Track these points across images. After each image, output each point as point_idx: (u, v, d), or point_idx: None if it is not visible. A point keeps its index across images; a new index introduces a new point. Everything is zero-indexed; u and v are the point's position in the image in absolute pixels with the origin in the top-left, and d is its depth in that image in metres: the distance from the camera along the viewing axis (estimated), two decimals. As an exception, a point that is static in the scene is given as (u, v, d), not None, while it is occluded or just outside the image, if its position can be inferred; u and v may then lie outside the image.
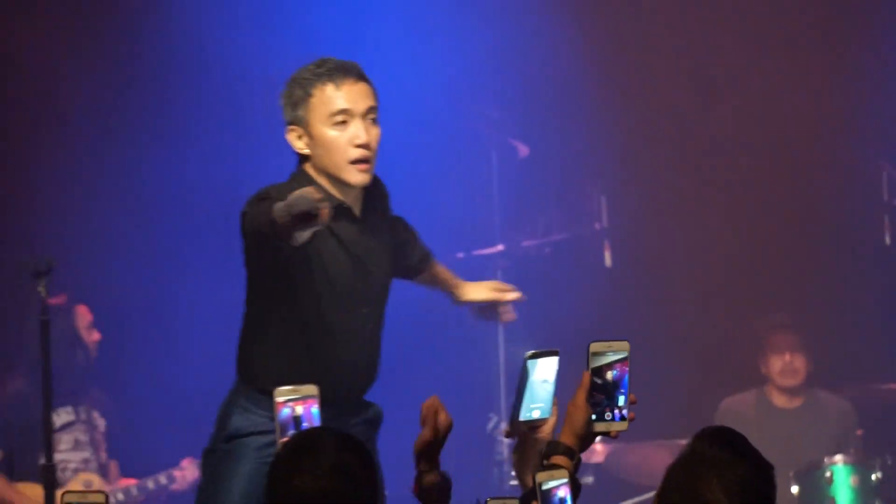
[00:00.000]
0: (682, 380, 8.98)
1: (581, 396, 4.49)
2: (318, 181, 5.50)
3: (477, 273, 8.62)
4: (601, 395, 4.52)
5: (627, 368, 4.52)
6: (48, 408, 6.66)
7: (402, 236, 6.08)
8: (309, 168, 5.57)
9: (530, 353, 4.81)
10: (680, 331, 9.34)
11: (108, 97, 10.44)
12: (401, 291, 6.44)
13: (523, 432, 4.63)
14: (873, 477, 7.88)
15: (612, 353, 4.62)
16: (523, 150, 9.40)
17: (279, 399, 4.85)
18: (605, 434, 4.57)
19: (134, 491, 9.39)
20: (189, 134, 10.17)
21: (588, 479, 8.52)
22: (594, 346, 4.52)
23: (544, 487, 4.44)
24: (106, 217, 10.34)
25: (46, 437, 6.59)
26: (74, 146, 10.37)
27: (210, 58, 10.38)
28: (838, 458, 8.06)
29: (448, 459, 4.58)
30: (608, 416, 4.55)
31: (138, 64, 10.50)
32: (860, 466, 7.87)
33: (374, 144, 5.76)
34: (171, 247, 10.03)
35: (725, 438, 4.32)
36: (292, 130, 5.59)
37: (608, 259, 9.45)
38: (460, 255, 9.26)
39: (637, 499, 8.88)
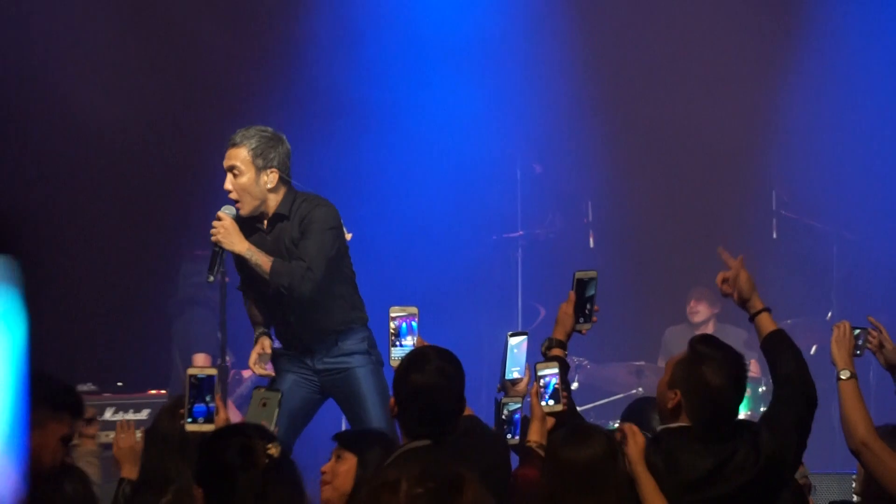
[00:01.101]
0: (636, 319, 10.75)
1: (569, 306, 6.05)
2: None
3: (503, 249, 11.34)
4: (580, 305, 6.09)
5: (595, 290, 6.13)
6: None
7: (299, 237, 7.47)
8: None
9: (510, 332, 6.34)
10: (636, 287, 11.14)
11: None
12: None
13: (507, 387, 6.30)
14: (760, 389, 9.38)
15: (589, 280, 6.15)
16: (538, 168, 11.38)
17: (392, 314, 6.40)
18: (579, 332, 6.12)
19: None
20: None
21: (574, 385, 9.54)
22: (578, 274, 6.10)
23: (540, 374, 5.94)
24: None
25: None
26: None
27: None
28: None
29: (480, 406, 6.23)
30: (582, 319, 6.08)
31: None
32: (752, 380, 8.98)
33: (235, 189, 7.35)
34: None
35: (714, 342, 5.48)
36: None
37: (591, 242, 11.45)
38: (494, 237, 11.36)
39: (607, 399, 10.56)
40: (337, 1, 12.00)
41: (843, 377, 5.88)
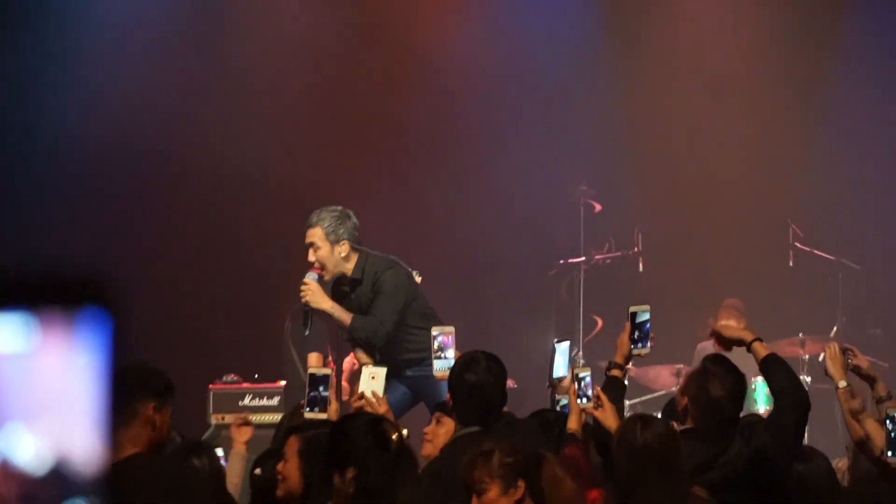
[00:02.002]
0: (677, 329, 10.87)
1: (625, 335, 6.41)
2: None
3: (568, 272, 11.90)
4: (635, 334, 6.41)
5: (649, 321, 6.40)
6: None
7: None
8: None
9: (556, 339, 6.94)
10: (675, 304, 11.39)
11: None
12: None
13: (555, 384, 6.78)
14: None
15: (641, 312, 6.41)
16: (598, 207, 11.87)
17: (434, 333, 6.94)
18: (637, 355, 6.46)
19: None
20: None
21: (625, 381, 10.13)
22: (632, 308, 6.44)
23: (579, 376, 6.42)
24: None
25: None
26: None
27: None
28: (759, 378, 9.37)
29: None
30: (640, 346, 6.42)
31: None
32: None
33: (316, 260, 8.16)
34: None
35: (722, 361, 5.89)
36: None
37: (641, 266, 11.87)
38: (561, 261, 11.96)
39: (650, 396, 11.07)
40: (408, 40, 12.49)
41: (840, 386, 6.32)
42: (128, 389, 5.01)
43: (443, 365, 6.83)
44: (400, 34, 12.45)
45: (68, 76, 11.47)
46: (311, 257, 8.25)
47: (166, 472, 5.21)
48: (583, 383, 6.41)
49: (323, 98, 12.31)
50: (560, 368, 6.90)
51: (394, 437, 4.96)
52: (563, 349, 6.91)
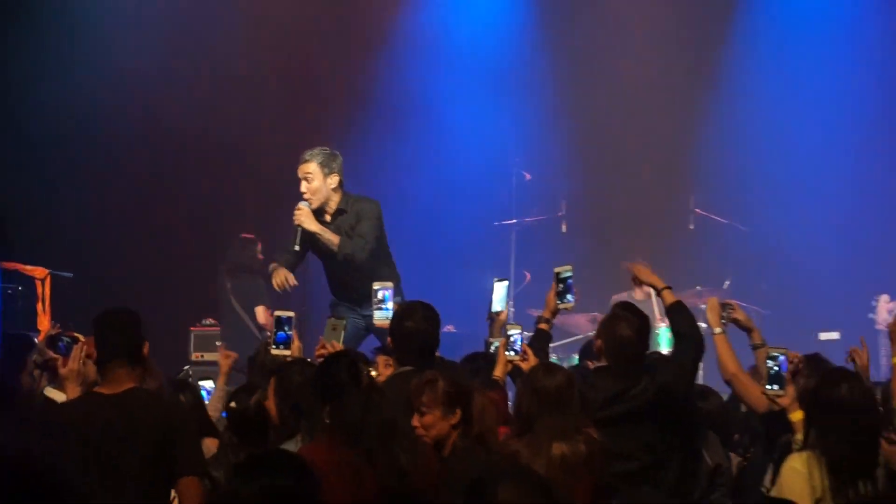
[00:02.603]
0: (594, 280, 11.04)
1: (552, 293, 6.77)
2: None
3: (501, 232, 12.26)
4: (560, 289, 6.71)
5: (572, 277, 6.71)
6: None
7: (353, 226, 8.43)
8: None
9: (496, 278, 7.23)
10: (594, 259, 11.67)
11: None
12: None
13: (493, 317, 7.13)
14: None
15: (564, 271, 6.73)
16: (528, 176, 12.45)
17: (375, 287, 7.19)
18: (564, 309, 6.78)
19: None
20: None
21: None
22: (556, 268, 6.72)
23: (508, 333, 6.67)
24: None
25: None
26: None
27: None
28: (662, 325, 9.93)
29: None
30: (564, 300, 6.74)
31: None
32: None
33: (308, 191, 8.52)
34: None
35: (628, 306, 6.30)
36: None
37: (564, 228, 12.42)
38: (495, 223, 12.43)
39: (571, 339, 11.45)
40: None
41: (716, 332, 6.56)
42: (129, 332, 5.55)
43: (382, 315, 7.14)
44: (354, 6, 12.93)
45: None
46: (304, 188, 8.70)
47: (162, 402, 5.69)
48: (511, 339, 6.65)
49: (279, 65, 12.78)
50: (498, 304, 7.15)
51: (365, 375, 5.17)
52: (501, 286, 7.17)
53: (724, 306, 6.65)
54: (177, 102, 12.05)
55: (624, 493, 5.67)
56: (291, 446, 5.27)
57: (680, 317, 6.45)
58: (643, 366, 6.14)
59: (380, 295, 7.22)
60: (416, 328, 6.32)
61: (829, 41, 13.15)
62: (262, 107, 12.63)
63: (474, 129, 12.94)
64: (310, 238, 8.73)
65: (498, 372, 6.60)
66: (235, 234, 11.74)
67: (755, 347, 6.62)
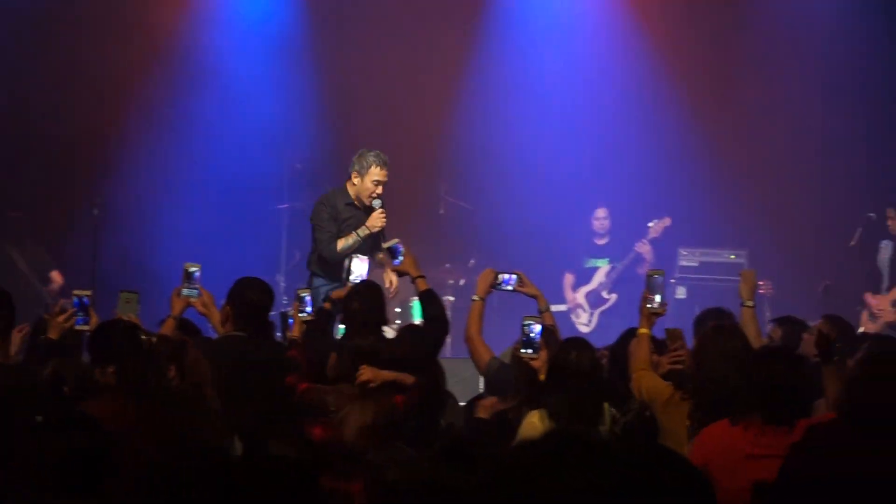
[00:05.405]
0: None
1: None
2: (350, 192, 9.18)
3: (276, 215, 12.56)
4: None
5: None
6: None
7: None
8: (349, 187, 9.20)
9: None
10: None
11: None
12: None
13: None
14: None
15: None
16: (299, 166, 12.71)
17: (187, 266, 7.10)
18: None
19: None
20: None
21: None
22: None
23: (300, 294, 7.21)
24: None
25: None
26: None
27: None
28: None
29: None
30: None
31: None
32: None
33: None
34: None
35: (368, 283, 7.31)
36: (356, 176, 9.17)
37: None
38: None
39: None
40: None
41: (476, 298, 7.19)
42: None
43: (189, 293, 7.15)
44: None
45: None
46: (380, 190, 9.26)
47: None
48: (302, 302, 7.14)
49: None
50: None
51: (144, 339, 5.40)
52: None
53: (497, 276, 7.32)
54: None
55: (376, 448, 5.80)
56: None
57: (430, 304, 7.10)
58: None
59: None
60: (255, 299, 6.72)
61: (567, 38, 13.61)
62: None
63: (256, 122, 13.19)
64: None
65: (295, 332, 6.99)
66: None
67: (541, 311, 7.12)
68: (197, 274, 7.04)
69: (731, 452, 5.21)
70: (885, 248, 11.32)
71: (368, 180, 9.22)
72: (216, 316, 6.93)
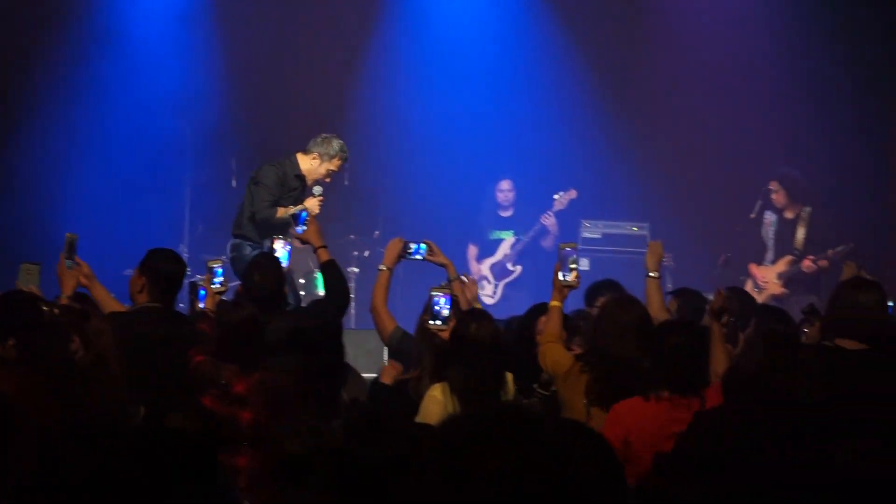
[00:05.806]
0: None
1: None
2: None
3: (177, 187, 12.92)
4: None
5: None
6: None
7: None
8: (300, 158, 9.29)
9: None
10: None
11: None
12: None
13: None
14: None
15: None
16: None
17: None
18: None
19: None
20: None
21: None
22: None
23: (211, 266, 7.35)
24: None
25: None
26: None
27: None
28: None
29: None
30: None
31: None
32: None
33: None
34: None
35: (265, 254, 7.63)
36: (315, 158, 9.25)
37: (234, 183, 12.38)
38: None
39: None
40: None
41: (382, 268, 7.23)
42: None
43: (70, 265, 7.02)
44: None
45: None
46: (329, 180, 9.41)
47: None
48: (213, 274, 7.29)
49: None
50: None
51: (46, 310, 5.35)
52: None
53: (407, 246, 7.33)
54: None
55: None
56: None
57: (331, 275, 7.12)
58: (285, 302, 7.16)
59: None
60: (170, 270, 6.72)
61: (471, 12, 13.71)
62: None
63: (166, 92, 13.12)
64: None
65: (208, 304, 7.04)
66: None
67: (450, 280, 7.12)
68: (75, 244, 6.93)
69: (652, 427, 5.35)
70: (770, 219, 11.47)
71: (325, 167, 9.24)
72: (99, 288, 6.85)
